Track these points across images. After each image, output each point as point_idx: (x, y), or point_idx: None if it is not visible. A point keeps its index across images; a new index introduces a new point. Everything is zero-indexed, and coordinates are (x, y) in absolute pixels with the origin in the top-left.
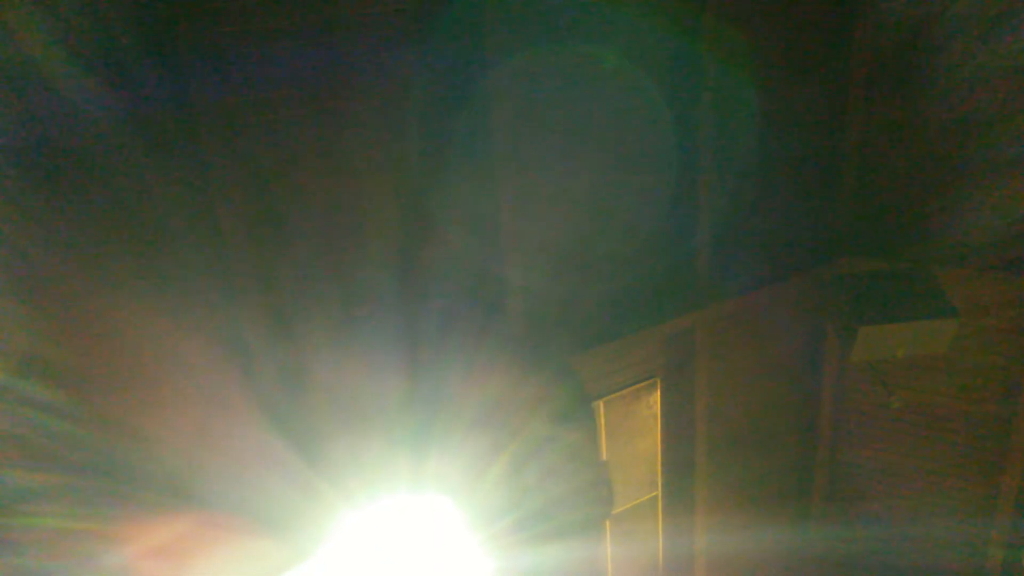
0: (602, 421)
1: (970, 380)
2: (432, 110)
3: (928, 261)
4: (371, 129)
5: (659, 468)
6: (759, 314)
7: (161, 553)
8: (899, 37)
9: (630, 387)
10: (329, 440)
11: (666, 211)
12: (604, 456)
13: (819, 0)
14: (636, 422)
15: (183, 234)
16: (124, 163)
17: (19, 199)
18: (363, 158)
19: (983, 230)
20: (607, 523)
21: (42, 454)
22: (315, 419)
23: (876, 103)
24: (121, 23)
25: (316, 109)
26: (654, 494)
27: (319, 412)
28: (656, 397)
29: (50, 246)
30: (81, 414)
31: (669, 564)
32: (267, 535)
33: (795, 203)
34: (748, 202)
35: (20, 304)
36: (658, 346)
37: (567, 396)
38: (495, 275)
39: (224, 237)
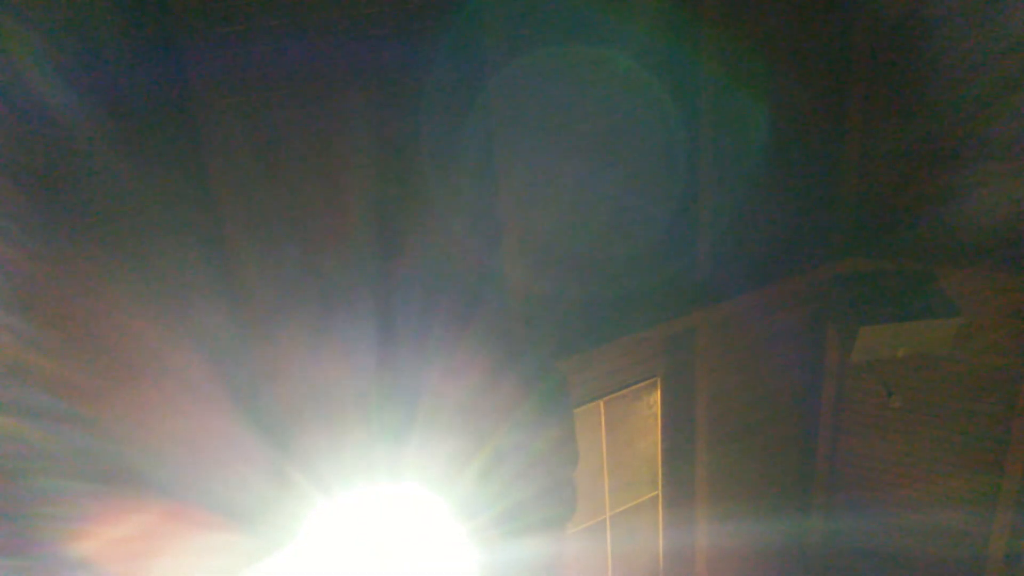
0: (602, 421)
1: (970, 379)
2: (432, 108)
3: (928, 261)
4: (364, 125)
5: (659, 468)
6: (759, 314)
7: (136, 545)
8: (900, 38)
9: (630, 387)
10: (307, 431)
11: (667, 212)
12: (594, 471)
13: (818, 2)
14: (636, 422)
15: (166, 233)
16: (111, 169)
17: (5, 205)
18: (356, 153)
19: (983, 230)
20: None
21: (27, 456)
22: (293, 410)
23: (876, 104)
24: (112, 26)
25: (310, 105)
26: (654, 493)
27: (297, 403)
28: (656, 397)
29: (33, 250)
30: (64, 415)
31: (669, 563)
32: (241, 527)
33: (795, 204)
34: (749, 203)
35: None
36: (658, 346)
37: (545, 395)
38: (490, 273)
39: (206, 232)
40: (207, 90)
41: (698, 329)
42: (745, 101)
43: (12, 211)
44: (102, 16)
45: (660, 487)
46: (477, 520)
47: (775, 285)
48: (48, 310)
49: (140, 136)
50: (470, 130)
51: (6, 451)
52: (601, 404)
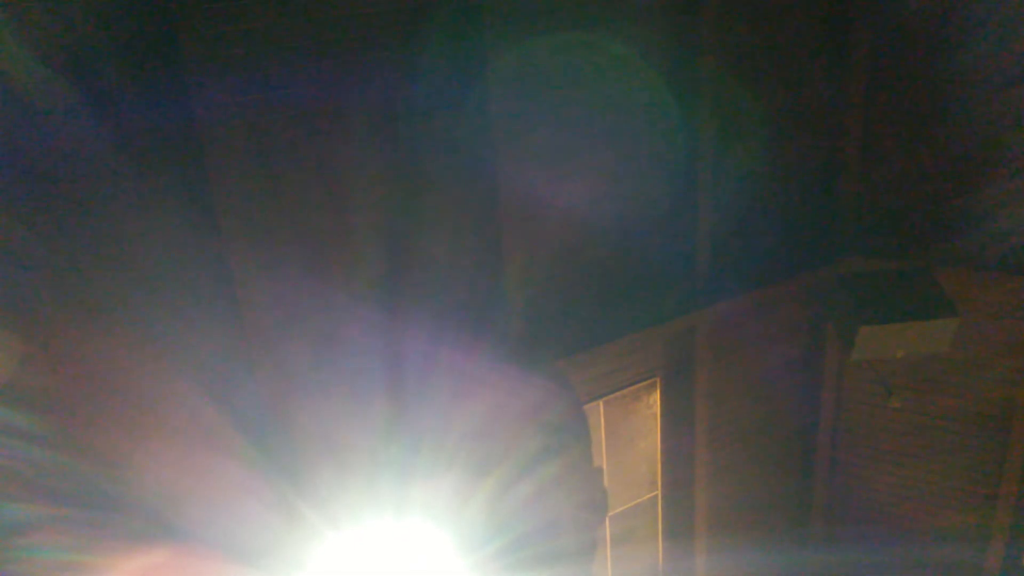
0: (602, 421)
1: (971, 380)
2: (429, 113)
3: (928, 261)
4: (364, 138)
5: (659, 468)
6: (759, 314)
7: None
8: (901, 37)
9: (630, 387)
10: (314, 463)
11: (667, 211)
12: (597, 462)
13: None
14: (636, 422)
15: (170, 257)
16: (114, 191)
17: (7, 225)
18: (355, 169)
19: (984, 230)
20: (598, 542)
21: (25, 483)
22: (300, 441)
23: (877, 103)
24: (117, 49)
25: (313, 127)
26: (654, 494)
27: (304, 434)
28: (656, 397)
29: (32, 271)
30: (63, 442)
31: (669, 563)
32: (247, 560)
33: (796, 203)
34: (749, 202)
35: (2, 330)
36: (658, 346)
37: (561, 407)
38: (491, 280)
39: (210, 256)
40: (211, 112)
41: (698, 329)
42: (746, 100)
43: (13, 232)
44: (108, 41)
45: (660, 487)
46: (490, 549)
47: (775, 285)
48: (47, 334)
49: (144, 159)
50: (471, 139)
51: (15, 486)
52: (601, 404)
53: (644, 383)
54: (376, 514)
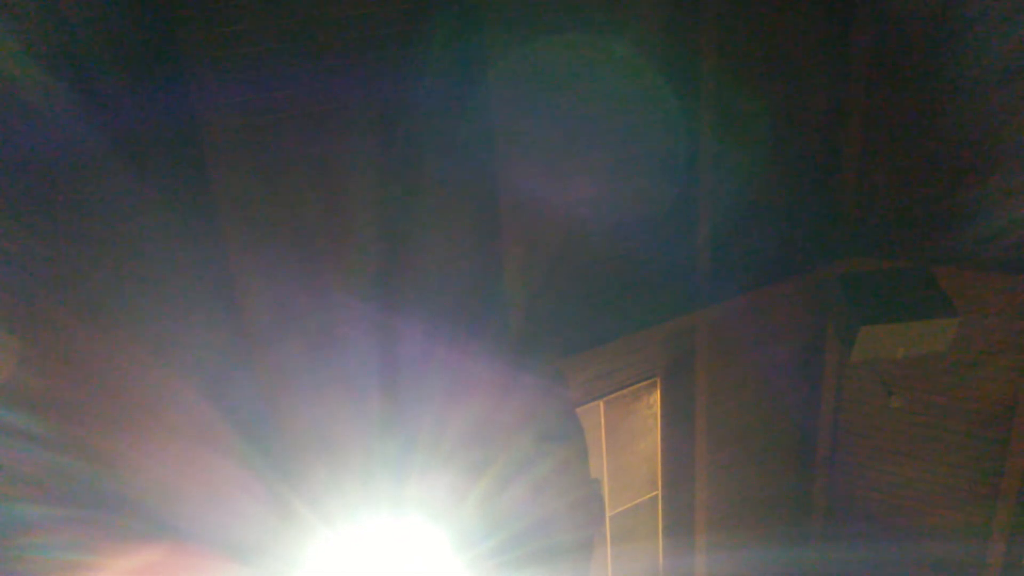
0: (602, 421)
1: (971, 380)
2: (429, 113)
3: (928, 261)
4: (364, 138)
5: (659, 468)
6: (759, 314)
7: None
8: (900, 37)
9: (630, 387)
10: (310, 461)
11: (667, 211)
12: (594, 472)
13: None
14: (636, 422)
15: (168, 256)
16: (114, 191)
17: (6, 225)
18: (354, 169)
19: (984, 230)
20: (596, 541)
21: (24, 483)
22: (295, 441)
23: (877, 103)
24: (117, 49)
25: (313, 126)
26: (654, 494)
27: (299, 434)
28: (656, 397)
29: (30, 271)
30: (61, 442)
31: (669, 562)
32: (243, 559)
33: (795, 203)
34: (748, 202)
35: (0, 330)
36: (658, 346)
37: (555, 412)
38: (491, 279)
39: (208, 255)
40: (211, 112)
41: (698, 329)
42: (745, 100)
43: (12, 231)
44: (107, 41)
45: (660, 487)
46: (485, 547)
47: (775, 285)
48: (46, 334)
49: (143, 159)
50: (470, 139)
51: (14, 486)
52: (601, 404)
53: (644, 383)
54: (372, 512)
